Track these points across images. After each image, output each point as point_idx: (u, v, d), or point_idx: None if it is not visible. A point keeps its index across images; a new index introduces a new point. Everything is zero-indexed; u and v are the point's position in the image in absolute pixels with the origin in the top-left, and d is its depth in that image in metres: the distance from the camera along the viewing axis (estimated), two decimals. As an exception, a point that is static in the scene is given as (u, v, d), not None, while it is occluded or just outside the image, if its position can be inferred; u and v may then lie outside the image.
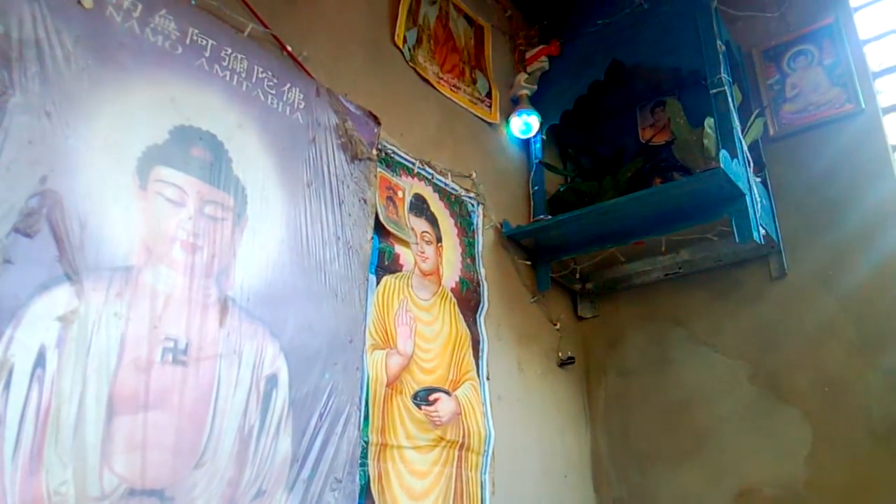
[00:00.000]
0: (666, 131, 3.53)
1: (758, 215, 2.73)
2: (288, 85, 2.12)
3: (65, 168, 1.49)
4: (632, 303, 3.44)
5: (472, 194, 2.93)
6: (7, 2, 1.46)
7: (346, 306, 2.10)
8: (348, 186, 2.23)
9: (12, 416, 1.30)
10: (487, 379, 2.67)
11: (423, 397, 2.34)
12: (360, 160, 2.29)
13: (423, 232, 2.59)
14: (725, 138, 2.76)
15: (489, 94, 3.33)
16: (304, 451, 1.84)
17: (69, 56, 1.55)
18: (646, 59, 3.23)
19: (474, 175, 2.98)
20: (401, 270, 2.43)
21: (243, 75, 1.99)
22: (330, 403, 1.94)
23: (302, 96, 2.16)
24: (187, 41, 1.85)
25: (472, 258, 2.82)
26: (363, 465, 2.03)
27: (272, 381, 1.81)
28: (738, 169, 2.69)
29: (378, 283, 2.31)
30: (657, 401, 3.21)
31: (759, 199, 2.81)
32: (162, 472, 1.52)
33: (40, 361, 1.36)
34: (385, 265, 2.36)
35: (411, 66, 2.86)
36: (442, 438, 2.36)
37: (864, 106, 2.99)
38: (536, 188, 3.37)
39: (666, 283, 3.34)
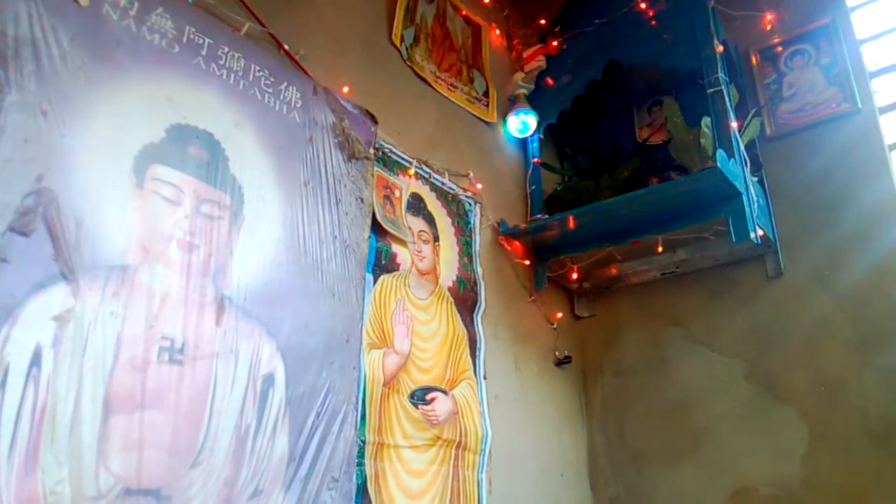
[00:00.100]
0: (663, 131, 3.53)
1: (754, 215, 2.73)
2: (285, 84, 2.12)
3: (61, 167, 1.48)
4: (628, 302, 3.45)
5: (469, 193, 2.93)
6: (3, 0, 1.45)
7: (343, 305, 2.10)
8: (345, 185, 2.23)
9: (8, 416, 1.29)
10: (484, 378, 2.67)
11: (419, 396, 2.34)
12: (357, 159, 2.29)
13: (420, 231, 2.59)
14: (722, 138, 2.77)
15: (486, 94, 3.33)
16: (300, 450, 1.84)
17: (65, 54, 1.55)
18: (643, 58, 3.23)
19: (471, 174, 2.98)
20: (398, 269, 2.43)
21: (240, 74, 1.98)
22: (327, 402, 1.94)
23: (299, 95, 2.16)
24: (184, 40, 1.84)
25: (470, 257, 2.82)
26: (360, 464, 2.03)
27: (269, 380, 1.81)
28: (735, 168, 2.69)
29: (375, 282, 2.31)
30: (654, 400, 3.21)
31: (755, 199, 2.81)
32: (158, 471, 1.51)
33: (36, 360, 1.35)
34: (382, 264, 2.36)
35: (408, 65, 2.85)
36: (439, 437, 2.36)
37: (860, 105, 2.99)
38: (534, 187, 3.37)
39: (663, 282, 3.34)
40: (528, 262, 3.23)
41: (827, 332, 2.84)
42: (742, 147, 2.85)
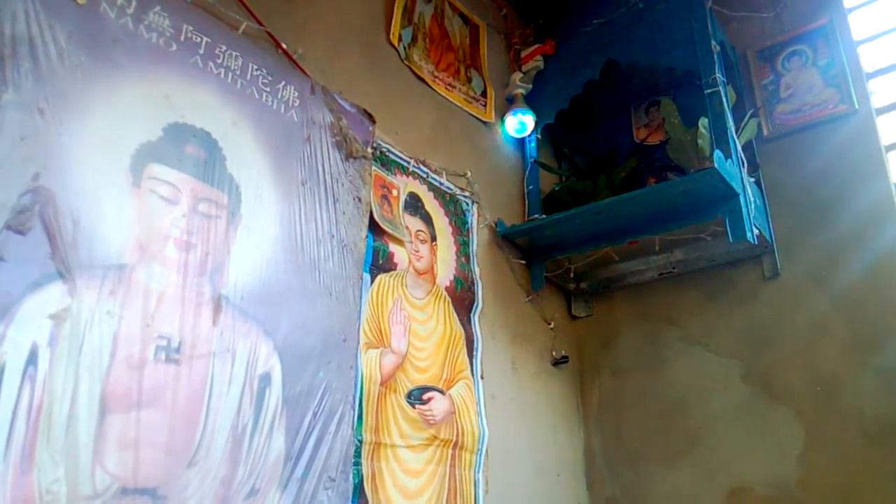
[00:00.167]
0: (660, 131, 3.53)
1: (751, 215, 2.74)
2: (283, 83, 2.12)
3: (58, 165, 1.48)
4: (626, 302, 3.45)
5: (466, 193, 2.93)
6: (0, -2, 1.45)
7: (340, 305, 2.09)
8: (343, 185, 2.23)
9: (4, 415, 1.29)
10: (481, 378, 2.67)
11: (417, 396, 2.34)
12: (354, 158, 2.29)
13: (417, 231, 2.59)
14: (720, 138, 2.77)
15: (484, 93, 3.33)
16: (297, 449, 1.83)
17: (62, 53, 1.55)
18: (641, 58, 3.23)
19: (469, 174, 2.98)
20: (395, 269, 2.43)
21: (238, 73, 1.98)
22: (324, 402, 1.94)
23: (297, 94, 2.15)
24: (182, 38, 1.84)
25: (467, 257, 2.82)
26: (357, 463, 2.03)
27: (266, 379, 1.81)
28: (732, 169, 2.69)
29: (372, 281, 2.31)
30: (650, 400, 3.22)
31: (752, 199, 2.82)
32: (154, 470, 1.51)
33: (32, 359, 1.35)
34: (379, 264, 2.36)
35: (406, 65, 2.85)
36: (436, 437, 2.36)
37: (857, 107, 3.00)
38: (531, 187, 3.38)
39: (660, 282, 3.34)
40: (525, 262, 3.23)
41: (823, 332, 2.84)
42: (739, 148, 2.85)
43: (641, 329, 3.36)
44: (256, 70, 2.04)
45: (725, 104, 2.82)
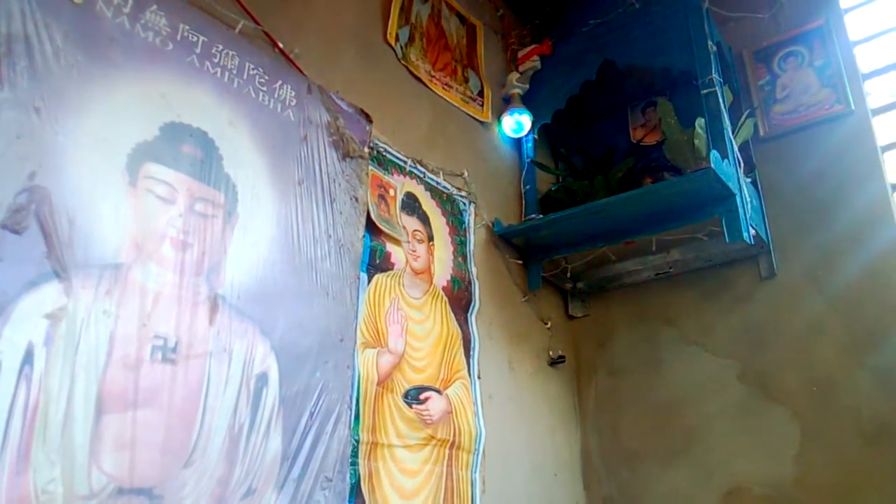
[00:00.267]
0: (657, 131, 3.54)
1: (748, 215, 2.74)
2: (279, 82, 2.12)
3: (54, 164, 1.47)
4: (622, 302, 3.46)
5: (463, 193, 2.93)
6: (-5, -4, 1.45)
7: (337, 304, 2.09)
8: (340, 184, 2.22)
9: (0, 415, 1.28)
10: (478, 378, 2.67)
11: (414, 396, 2.34)
12: (351, 158, 2.29)
13: (414, 230, 2.59)
14: (716, 139, 2.77)
15: (481, 93, 3.33)
16: (294, 449, 1.83)
17: (58, 51, 1.54)
18: (637, 59, 3.24)
19: (466, 174, 2.98)
20: (392, 269, 2.43)
21: (234, 72, 1.98)
22: (321, 402, 1.94)
23: (293, 94, 2.15)
24: (178, 37, 1.83)
25: (464, 257, 2.82)
26: (354, 463, 2.03)
27: (262, 379, 1.80)
28: (729, 169, 2.70)
29: (369, 281, 2.31)
30: (647, 400, 3.22)
31: (749, 200, 2.82)
32: (151, 470, 1.51)
33: (28, 359, 1.34)
34: (376, 263, 2.36)
35: (403, 65, 2.85)
36: (433, 437, 2.36)
37: (853, 107, 3.01)
38: (528, 187, 3.38)
39: (656, 282, 3.35)
40: (522, 262, 3.23)
41: (819, 332, 2.85)
42: (736, 148, 2.86)
43: (638, 329, 3.36)
44: (253, 69, 2.04)
45: (722, 104, 2.83)
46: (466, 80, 3.25)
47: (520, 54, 3.56)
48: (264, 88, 2.06)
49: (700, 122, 2.85)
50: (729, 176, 2.67)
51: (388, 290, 2.38)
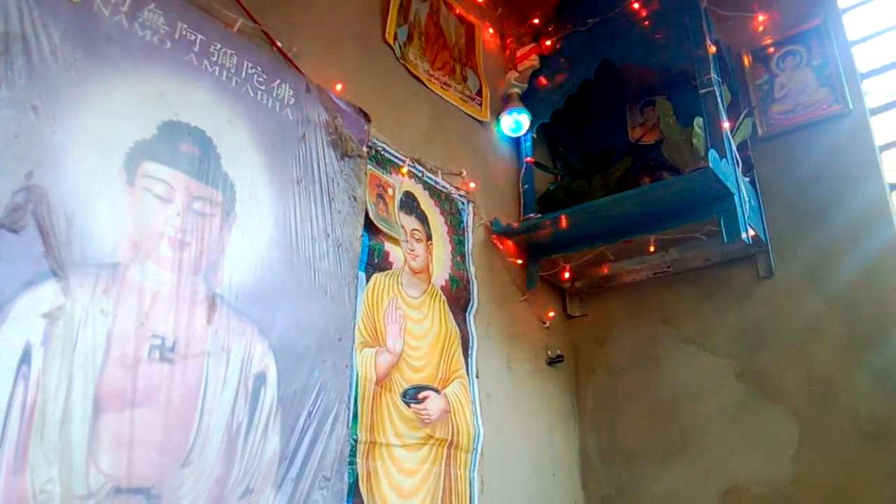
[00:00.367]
0: (655, 131, 3.54)
1: (746, 215, 2.74)
2: (278, 81, 2.11)
3: (51, 163, 1.47)
4: (620, 301, 3.46)
5: (462, 192, 2.93)
6: (-7, -6, 1.45)
7: (335, 304, 2.09)
8: (338, 184, 2.22)
9: (-3, 414, 1.28)
10: (477, 377, 2.67)
11: (412, 395, 2.34)
12: (350, 157, 2.29)
13: (413, 230, 2.58)
14: (714, 138, 2.77)
15: (480, 93, 3.33)
16: (292, 449, 1.83)
17: (56, 50, 1.54)
18: (636, 58, 3.23)
19: (465, 173, 2.98)
20: (390, 268, 2.43)
21: (233, 71, 1.97)
22: (319, 401, 1.93)
23: (292, 93, 2.15)
24: (176, 36, 1.83)
25: (462, 256, 2.82)
26: (352, 463, 2.03)
27: (260, 378, 1.80)
28: (727, 169, 2.70)
29: (368, 280, 2.30)
30: (645, 399, 3.22)
31: (747, 199, 2.82)
32: (148, 470, 1.50)
33: (26, 358, 1.34)
34: (375, 263, 2.35)
35: (402, 64, 2.85)
36: (431, 436, 2.36)
37: (851, 107, 3.01)
38: (526, 187, 3.38)
39: (654, 281, 3.35)
40: (520, 262, 3.23)
41: (817, 331, 2.85)
42: (734, 147, 2.86)
43: (636, 328, 3.36)
44: (251, 68, 2.03)
45: (720, 104, 2.83)
46: (465, 80, 3.25)
47: (518, 53, 3.55)
48: (262, 87, 2.05)
49: (698, 122, 2.85)
50: (727, 175, 2.67)
51: (387, 290, 2.38)
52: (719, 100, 2.83)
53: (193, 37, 1.88)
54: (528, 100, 3.43)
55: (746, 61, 3.36)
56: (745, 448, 2.88)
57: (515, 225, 3.14)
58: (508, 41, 3.67)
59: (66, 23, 1.57)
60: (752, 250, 3.02)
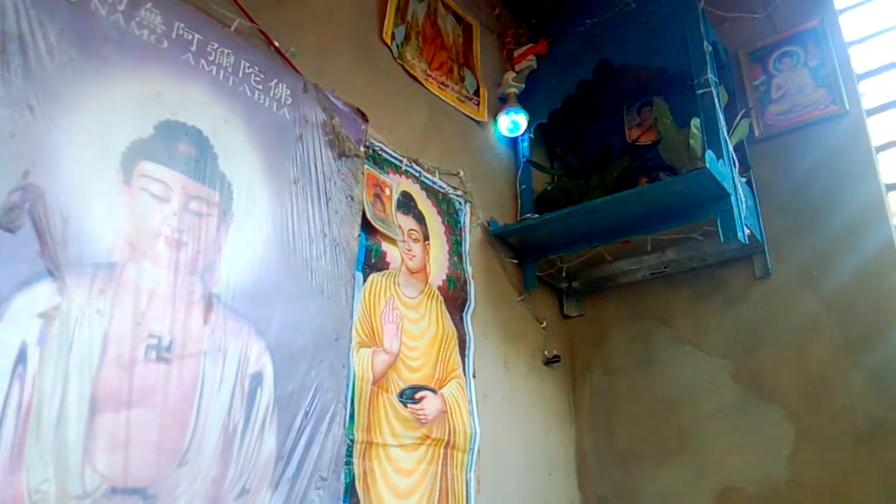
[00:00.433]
0: (653, 131, 3.54)
1: (743, 215, 2.75)
2: (275, 80, 2.11)
3: (48, 162, 1.47)
4: (617, 302, 3.46)
5: (459, 192, 2.93)
6: (-11, -6, 1.44)
7: (332, 304, 2.09)
8: (335, 183, 2.22)
9: (-8, 414, 1.28)
10: (473, 377, 2.67)
11: (409, 395, 2.34)
12: (347, 157, 2.28)
13: (410, 230, 2.58)
14: (711, 139, 2.78)
15: (477, 92, 3.33)
16: (288, 449, 1.83)
17: (53, 49, 1.53)
18: (633, 58, 3.24)
19: (462, 173, 2.98)
20: (388, 268, 2.43)
21: (230, 70, 1.97)
22: (315, 401, 1.93)
23: (289, 92, 2.15)
24: (173, 35, 1.83)
25: (460, 256, 2.82)
26: (348, 463, 2.03)
27: (257, 378, 1.80)
28: (724, 169, 2.70)
29: (365, 280, 2.30)
30: (642, 399, 3.22)
31: (744, 200, 2.83)
32: (145, 470, 1.50)
33: (21, 358, 1.34)
34: (372, 263, 2.35)
35: (399, 63, 2.85)
36: (427, 436, 2.36)
37: (848, 107, 3.02)
38: (524, 187, 3.38)
39: (651, 282, 3.35)
40: (517, 262, 3.23)
41: (814, 332, 2.86)
42: (731, 148, 2.86)
43: (633, 328, 3.37)
44: (248, 68, 2.03)
45: (717, 104, 2.83)
46: (462, 80, 3.25)
47: (516, 53, 3.55)
48: (260, 87, 2.05)
49: (695, 122, 2.85)
50: (724, 176, 2.67)
51: (384, 290, 2.38)
52: (716, 100, 2.83)
53: (190, 36, 1.87)
54: (526, 100, 3.43)
55: (743, 62, 3.37)
56: (741, 448, 2.89)
57: (513, 225, 3.14)
58: (506, 41, 3.67)
59: (63, 22, 1.57)
60: (748, 251, 3.03)
